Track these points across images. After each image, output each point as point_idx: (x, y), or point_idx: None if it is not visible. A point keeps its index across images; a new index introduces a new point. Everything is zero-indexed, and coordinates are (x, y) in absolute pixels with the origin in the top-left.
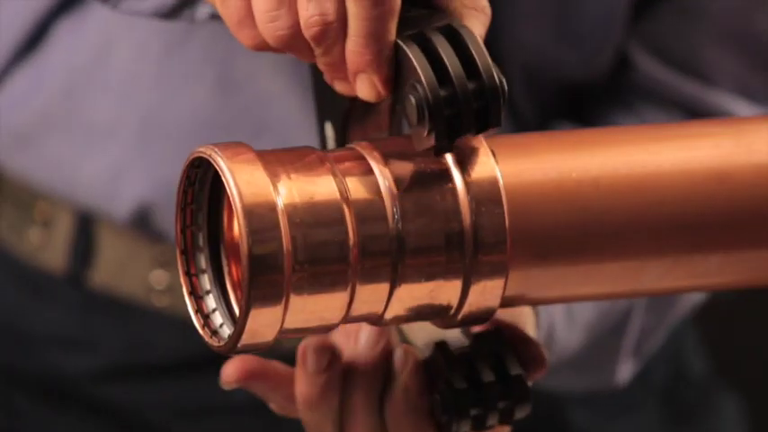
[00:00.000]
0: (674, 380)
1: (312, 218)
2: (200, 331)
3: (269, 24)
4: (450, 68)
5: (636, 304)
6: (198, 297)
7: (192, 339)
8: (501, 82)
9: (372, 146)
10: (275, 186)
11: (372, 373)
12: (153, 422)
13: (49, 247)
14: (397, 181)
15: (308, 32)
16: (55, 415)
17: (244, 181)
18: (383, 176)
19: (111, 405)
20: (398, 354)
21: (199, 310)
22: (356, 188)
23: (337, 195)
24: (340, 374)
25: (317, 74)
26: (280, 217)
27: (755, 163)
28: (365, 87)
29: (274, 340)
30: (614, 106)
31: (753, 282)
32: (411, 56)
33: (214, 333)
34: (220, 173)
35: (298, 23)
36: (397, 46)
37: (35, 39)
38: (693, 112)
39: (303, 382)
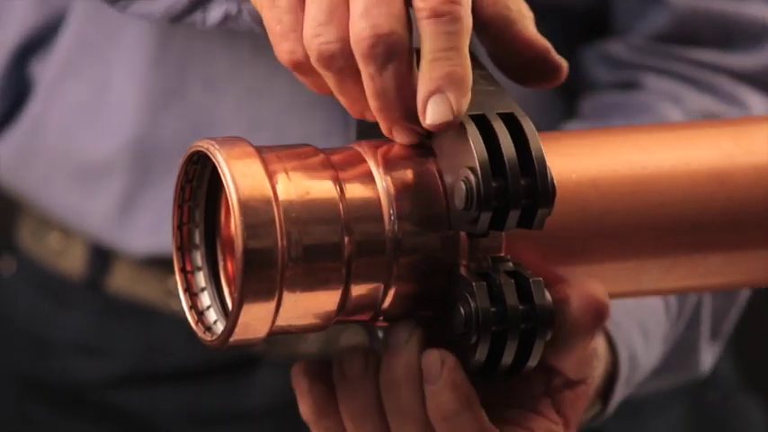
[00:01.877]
0: (701, 384)
1: (308, 214)
2: (194, 327)
3: (315, 40)
4: (506, 162)
5: (704, 295)
6: (193, 294)
7: None
8: (553, 186)
9: (372, 146)
10: (272, 182)
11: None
12: (168, 429)
13: (68, 253)
14: (395, 181)
15: (358, 46)
16: (70, 422)
17: (241, 175)
18: (381, 176)
19: (127, 412)
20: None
21: (193, 307)
22: (353, 187)
23: (334, 193)
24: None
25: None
26: (276, 212)
27: (755, 163)
28: (441, 109)
29: (267, 336)
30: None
31: (753, 282)
32: (470, 138)
33: (208, 329)
34: (218, 166)
35: (346, 39)
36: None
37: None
38: (727, 34)
39: (346, 393)
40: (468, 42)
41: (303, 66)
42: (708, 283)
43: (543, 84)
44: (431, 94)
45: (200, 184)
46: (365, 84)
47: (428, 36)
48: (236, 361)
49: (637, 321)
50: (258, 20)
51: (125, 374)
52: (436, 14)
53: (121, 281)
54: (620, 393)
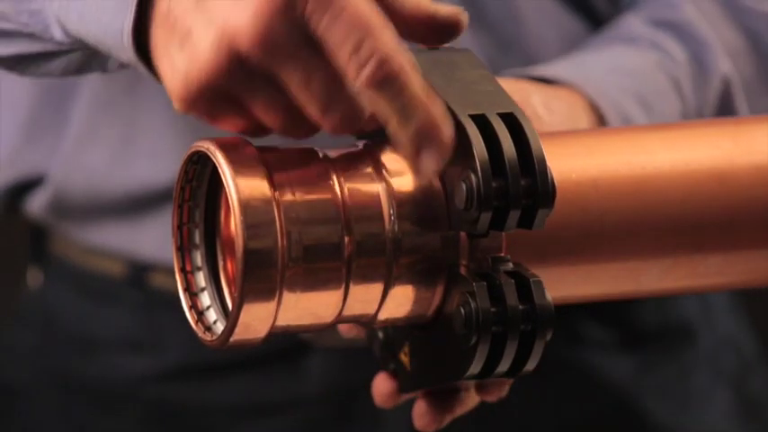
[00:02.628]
0: (743, 368)
1: (308, 215)
2: (194, 327)
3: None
4: (507, 162)
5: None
6: (193, 294)
7: None
8: (553, 186)
9: (372, 146)
10: (273, 182)
11: None
12: (215, 422)
13: (108, 256)
14: (395, 181)
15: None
16: (118, 423)
17: (241, 175)
18: (381, 176)
19: (177, 407)
20: None
21: (193, 307)
22: (354, 187)
23: (335, 193)
24: None
25: None
26: (276, 212)
27: (755, 163)
28: (429, 166)
29: (267, 336)
30: None
31: (753, 282)
32: (471, 138)
33: (207, 329)
34: (218, 166)
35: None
36: (457, 122)
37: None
38: None
39: None
40: (413, 78)
41: (356, 125)
42: (708, 283)
43: (445, 40)
44: (415, 157)
45: (199, 184)
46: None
47: (375, 106)
48: (287, 349)
49: (631, 93)
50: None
51: (173, 369)
52: (372, 84)
53: (164, 277)
54: None
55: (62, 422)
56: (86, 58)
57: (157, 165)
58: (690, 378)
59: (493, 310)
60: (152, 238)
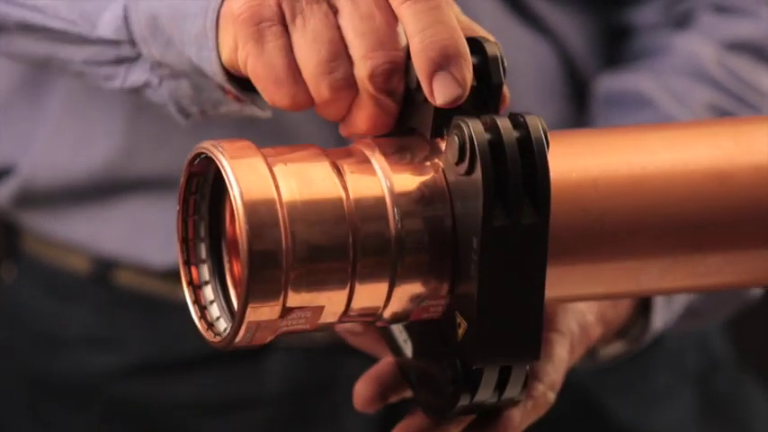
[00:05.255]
0: (707, 368)
1: (313, 215)
2: (197, 323)
3: (326, 76)
4: (498, 121)
5: None
6: (196, 287)
7: None
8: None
9: (375, 145)
10: (276, 183)
11: None
12: (178, 419)
13: (73, 252)
14: (399, 180)
15: (372, 81)
16: (82, 418)
17: (245, 177)
18: (385, 176)
19: (140, 403)
20: None
21: (196, 301)
22: (357, 187)
23: (338, 193)
24: None
25: None
26: (280, 214)
27: (755, 163)
28: (447, 86)
29: (273, 338)
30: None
31: (753, 282)
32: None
33: (210, 326)
34: (221, 169)
35: (352, 73)
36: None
37: None
38: None
39: None
40: (452, 14)
41: (305, 105)
42: (708, 282)
43: None
44: (432, 74)
45: (206, 178)
46: (372, 109)
47: (410, 19)
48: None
49: None
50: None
51: (136, 365)
52: None
53: (128, 274)
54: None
55: (29, 418)
56: (116, 58)
57: (119, 150)
58: (652, 377)
59: None
60: (116, 232)
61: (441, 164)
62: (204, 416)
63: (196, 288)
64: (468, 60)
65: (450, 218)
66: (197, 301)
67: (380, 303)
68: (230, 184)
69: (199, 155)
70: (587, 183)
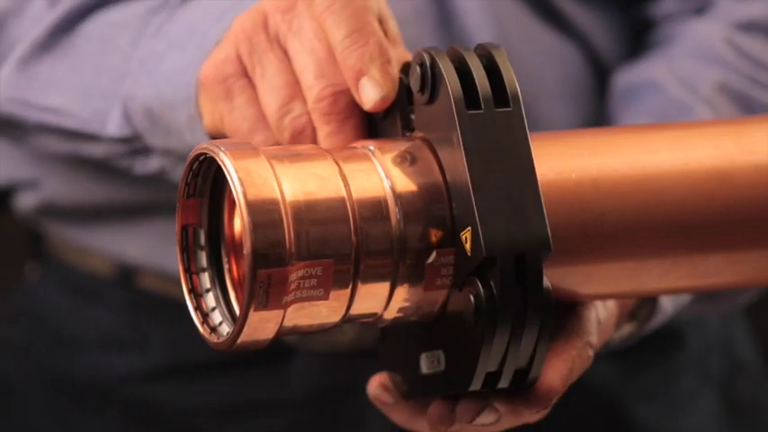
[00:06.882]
0: (732, 372)
1: (315, 215)
2: (200, 328)
3: (286, 118)
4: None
5: None
6: (198, 295)
7: None
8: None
9: (377, 145)
10: (279, 183)
11: None
12: (198, 423)
13: (97, 254)
14: (400, 180)
15: (317, 106)
16: (103, 420)
17: (248, 177)
18: (387, 176)
19: (161, 407)
20: None
21: (198, 308)
22: (360, 187)
23: (341, 194)
24: None
25: None
26: (283, 213)
27: (755, 163)
28: (371, 89)
29: (274, 337)
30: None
31: (753, 282)
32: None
33: (213, 330)
34: (224, 169)
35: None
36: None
37: None
38: None
39: None
40: (373, 17)
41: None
42: (708, 282)
43: None
44: (356, 81)
45: (204, 182)
46: (334, 133)
47: (330, 28)
48: (271, 352)
49: None
50: None
51: (158, 368)
52: (329, 7)
53: (151, 279)
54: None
55: (49, 419)
56: (130, 152)
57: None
58: (677, 381)
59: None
60: (139, 244)
61: (439, 162)
62: (225, 420)
63: (197, 296)
64: (389, 58)
65: (449, 218)
66: (199, 308)
67: (382, 304)
68: (233, 183)
69: (199, 156)
70: (587, 182)
